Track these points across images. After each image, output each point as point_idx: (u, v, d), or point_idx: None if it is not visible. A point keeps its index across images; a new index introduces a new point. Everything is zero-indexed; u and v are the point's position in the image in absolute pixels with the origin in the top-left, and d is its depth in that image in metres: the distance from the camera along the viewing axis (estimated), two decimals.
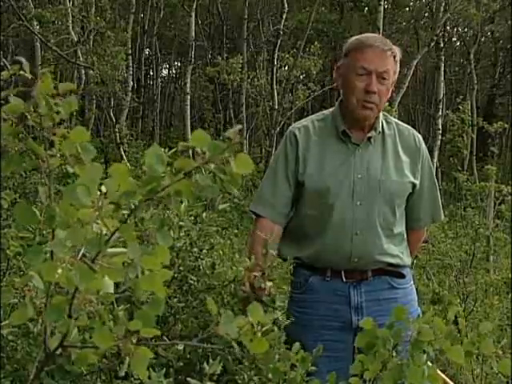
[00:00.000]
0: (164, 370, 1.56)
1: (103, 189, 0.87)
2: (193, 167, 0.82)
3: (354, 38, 2.30)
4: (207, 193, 0.82)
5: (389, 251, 2.24)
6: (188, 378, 1.59)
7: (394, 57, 2.18)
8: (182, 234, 2.28)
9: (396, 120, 2.35)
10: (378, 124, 2.23)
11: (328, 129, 2.27)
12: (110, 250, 0.87)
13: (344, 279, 2.23)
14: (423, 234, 2.48)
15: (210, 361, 1.58)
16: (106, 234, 0.87)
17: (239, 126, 0.85)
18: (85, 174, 0.88)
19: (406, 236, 2.34)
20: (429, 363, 1.23)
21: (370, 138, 2.23)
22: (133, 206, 0.85)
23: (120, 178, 0.84)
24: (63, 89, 0.95)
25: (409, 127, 2.35)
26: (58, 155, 0.93)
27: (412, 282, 2.38)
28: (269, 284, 1.91)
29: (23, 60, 1.02)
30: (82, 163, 0.91)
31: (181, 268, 2.25)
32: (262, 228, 2.27)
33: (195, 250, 2.30)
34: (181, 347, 1.79)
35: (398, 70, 2.23)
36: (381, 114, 2.26)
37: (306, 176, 2.23)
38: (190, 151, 0.85)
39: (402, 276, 2.30)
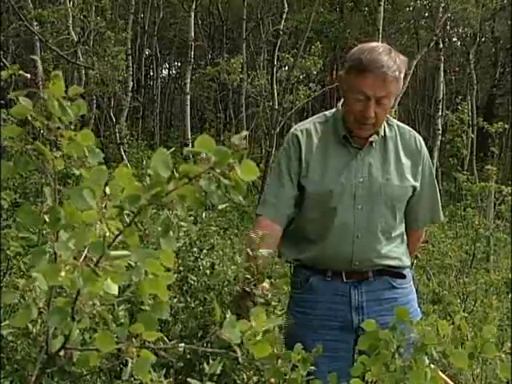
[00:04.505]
0: (164, 370, 1.56)
1: (107, 190, 0.87)
2: (198, 173, 0.82)
3: (358, 49, 2.18)
4: (213, 199, 0.82)
5: (388, 254, 2.24)
6: (188, 379, 1.59)
7: (398, 75, 2.10)
8: (181, 234, 2.28)
9: (397, 122, 2.34)
10: (380, 128, 2.22)
11: (330, 132, 2.26)
12: (112, 252, 0.87)
13: (344, 279, 2.23)
14: (422, 234, 2.47)
15: (210, 361, 1.58)
16: (109, 237, 0.87)
17: (245, 132, 0.84)
18: (90, 176, 0.88)
19: (406, 237, 2.34)
20: (431, 365, 1.23)
21: (371, 142, 2.22)
22: (136, 210, 0.85)
23: (124, 182, 0.84)
24: (72, 92, 0.94)
25: (410, 129, 2.34)
26: (59, 156, 0.93)
27: (412, 283, 2.38)
28: (264, 285, 1.90)
29: (37, 58, 1.02)
30: (87, 165, 0.91)
31: (181, 268, 2.25)
32: (260, 227, 2.24)
33: (195, 250, 2.30)
34: (181, 348, 1.79)
35: (402, 80, 2.16)
36: None
37: (308, 181, 2.23)
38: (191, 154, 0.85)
39: (403, 276, 2.30)
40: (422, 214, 2.36)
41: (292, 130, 2.34)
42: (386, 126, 2.27)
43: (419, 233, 2.45)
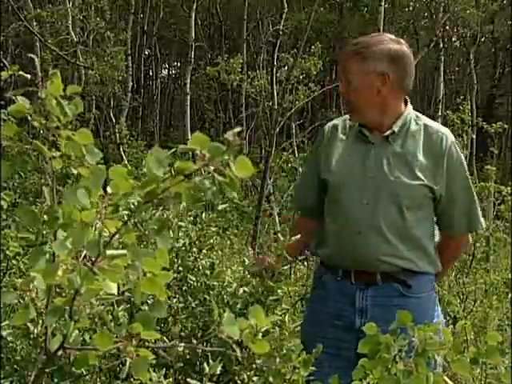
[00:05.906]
0: (164, 370, 1.56)
1: (108, 190, 0.88)
2: (193, 170, 0.82)
3: None
4: (208, 195, 0.83)
5: (398, 254, 2.19)
6: (188, 379, 1.59)
7: (361, 51, 2.17)
8: (181, 234, 2.28)
9: (429, 121, 2.29)
10: (395, 125, 2.21)
11: (354, 127, 2.30)
12: (110, 251, 0.87)
13: (353, 280, 2.23)
14: (462, 242, 2.39)
15: (210, 361, 1.58)
16: (106, 236, 0.87)
17: (239, 128, 0.85)
18: (89, 175, 0.88)
19: (429, 242, 2.26)
20: (435, 371, 1.22)
21: (387, 138, 2.21)
22: (132, 207, 0.86)
23: (119, 180, 0.84)
24: (70, 91, 0.95)
25: (441, 130, 2.26)
26: (58, 156, 0.93)
27: (431, 292, 2.31)
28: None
29: (35, 57, 1.02)
30: (86, 165, 0.91)
31: (180, 268, 2.25)
32: (297, 223, 2.49)
33: (194, 250, 2.30)
34: (181, 348, 1.80)
35: (371, 65, 2.16)
36: (408, 115, 2.24)
37: (325, 174, 2.29)
38: (190, 152, 0.85)
39: (411, 286, 2.23)
40: (456, 219, 2.28)
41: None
42: (413, 123, 2.25)
43: (457, 241, 2.36)
